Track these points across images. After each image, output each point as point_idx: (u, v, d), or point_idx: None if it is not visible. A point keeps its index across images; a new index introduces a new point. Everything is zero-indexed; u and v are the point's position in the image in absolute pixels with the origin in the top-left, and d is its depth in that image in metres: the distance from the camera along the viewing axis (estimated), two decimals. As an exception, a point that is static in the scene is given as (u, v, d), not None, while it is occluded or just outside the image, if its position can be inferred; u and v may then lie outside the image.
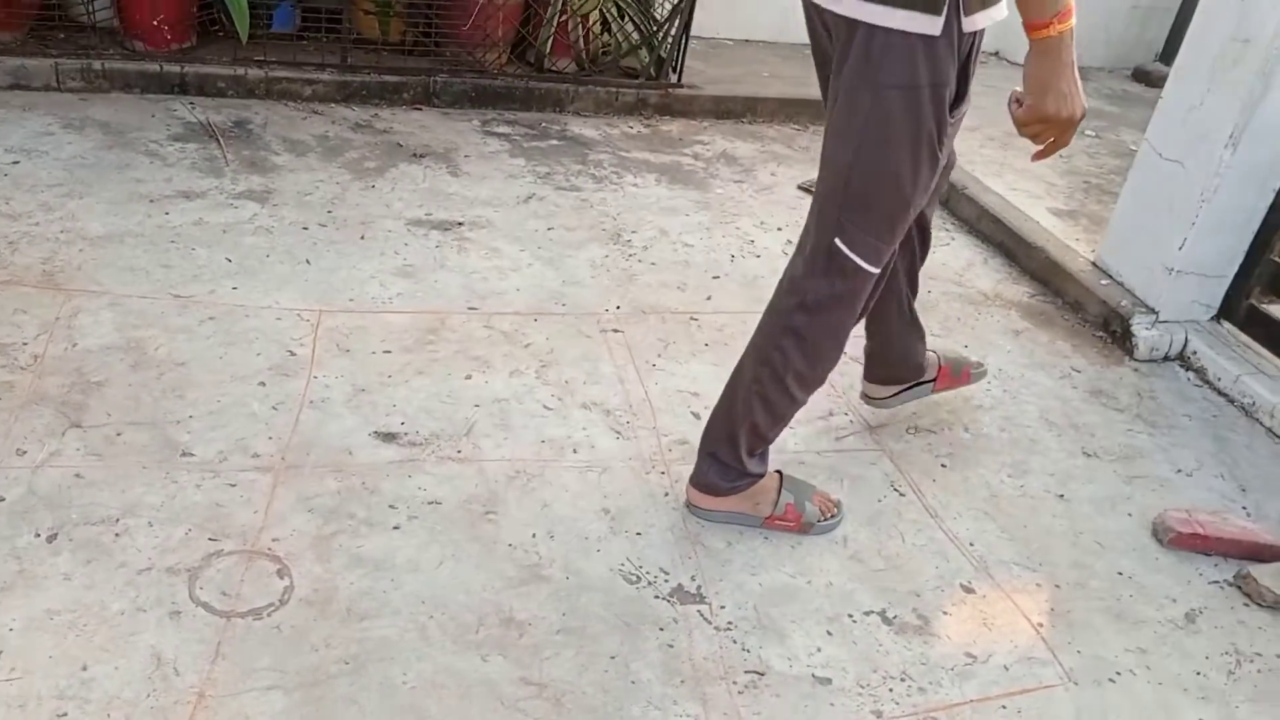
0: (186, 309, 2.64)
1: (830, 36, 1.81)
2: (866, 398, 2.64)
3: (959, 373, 2.69)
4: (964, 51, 1.73)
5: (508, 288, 2.97)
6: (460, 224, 3.26)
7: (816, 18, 1.87)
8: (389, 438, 2.30)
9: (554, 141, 3.91)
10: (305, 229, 3.09)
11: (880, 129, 1.75)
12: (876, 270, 1.93)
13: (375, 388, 2.46)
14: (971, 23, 1.70)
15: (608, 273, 3.13)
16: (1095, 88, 5.40)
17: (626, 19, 4.24)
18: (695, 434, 2.28)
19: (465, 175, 3.57)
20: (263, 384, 2.41)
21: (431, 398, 2.46)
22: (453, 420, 2.39)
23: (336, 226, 3.13)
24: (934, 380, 2.65)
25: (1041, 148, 1.78)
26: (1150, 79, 5.45)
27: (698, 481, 2.20)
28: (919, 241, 2.34)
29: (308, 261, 2.93)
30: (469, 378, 2.56)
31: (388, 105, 4.00)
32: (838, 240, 1.88)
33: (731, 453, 2.14)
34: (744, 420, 2.10)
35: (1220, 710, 1.95)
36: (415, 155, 3.66)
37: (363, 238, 3.09)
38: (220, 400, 2.34)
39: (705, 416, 2.23)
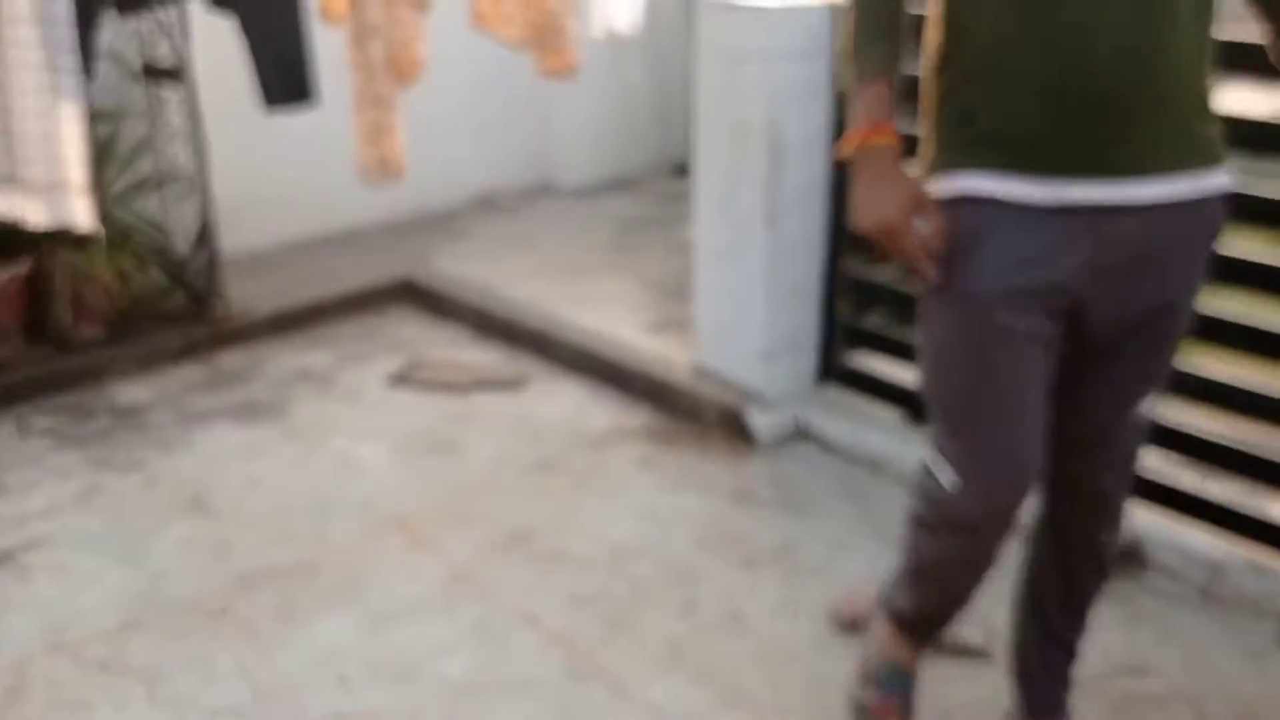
0: None
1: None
2: None
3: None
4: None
5: (88, 606, 2.52)
6: (13, 551, 2.75)
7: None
8: None
9: (104, 419, 3.45)
10: None
11: None
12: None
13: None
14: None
15: (200, 550, 2.73)
16: (643, 193, 5.61)
17: (149, 265, 3.88)
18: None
19: (9, 492, 3.04)
20: None
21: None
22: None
23: None
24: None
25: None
26: (688, 173, 5.76)
27: None
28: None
29: None
30: (52, 748, 2.09)
31: (-115, 442, 3.37)
32: None
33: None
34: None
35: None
36: (-66, 490, 3.08)
37: (-124, 618, 2.51)
38: None
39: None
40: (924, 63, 1.63)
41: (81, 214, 2.99)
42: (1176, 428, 2.48)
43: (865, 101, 1.57)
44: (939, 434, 1.68)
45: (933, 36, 1.60)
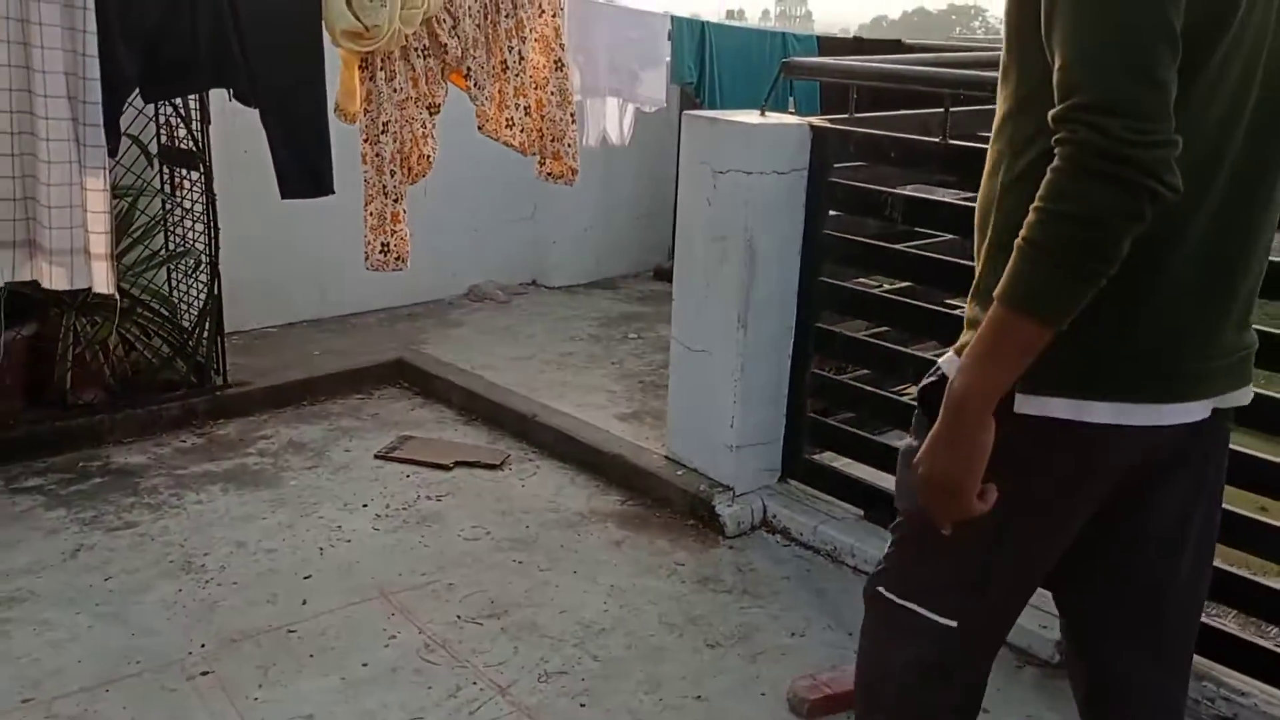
0: None
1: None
2: None
3: None
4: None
5: (67, 663, 2.60)
6: (-3, 605, 2.84)
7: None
8: None
9: (97, 480, 3.57)
10: None
11: None
12: None
13: None
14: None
15: (184, 610, 2.84)
16: (626, 293, 5.86)
17: (153, 334, 4.04)
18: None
19: (-5, 547, 3.15)
20: None
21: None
22: None
23: None
24: None
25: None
26: (670, 276, 5.99)
27: None
28: None
29: None
30: (33, 791, 2.17)
31: (-116, 492, 3.47)
32: None
33: None
34: None
35: None
36: (-72, 541, 3.18)
37: None
38: None
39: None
40: None
41: (101, 279, 3.14)
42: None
43: (1024, 352, 1.27)
44: None
45: None
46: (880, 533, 3.13)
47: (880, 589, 1.59)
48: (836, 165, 3.17)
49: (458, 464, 3.76)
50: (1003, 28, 1.43)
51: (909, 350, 3.13)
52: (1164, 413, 1.39)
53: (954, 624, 1.51)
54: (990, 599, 1.52)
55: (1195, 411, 1.41)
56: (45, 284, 3.16)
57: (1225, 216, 1.36)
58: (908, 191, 3.19)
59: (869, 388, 3.24)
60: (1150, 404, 1.37)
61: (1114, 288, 1.25)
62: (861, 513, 3.21)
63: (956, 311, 3.44)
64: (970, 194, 3.74)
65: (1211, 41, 1.28)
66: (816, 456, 3.37)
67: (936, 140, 2.92)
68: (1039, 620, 2.57)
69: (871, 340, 3.31)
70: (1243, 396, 1.48)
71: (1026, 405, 1.37)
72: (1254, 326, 1.48)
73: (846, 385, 3.31)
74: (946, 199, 3.18)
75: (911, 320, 3.12)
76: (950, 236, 3.31)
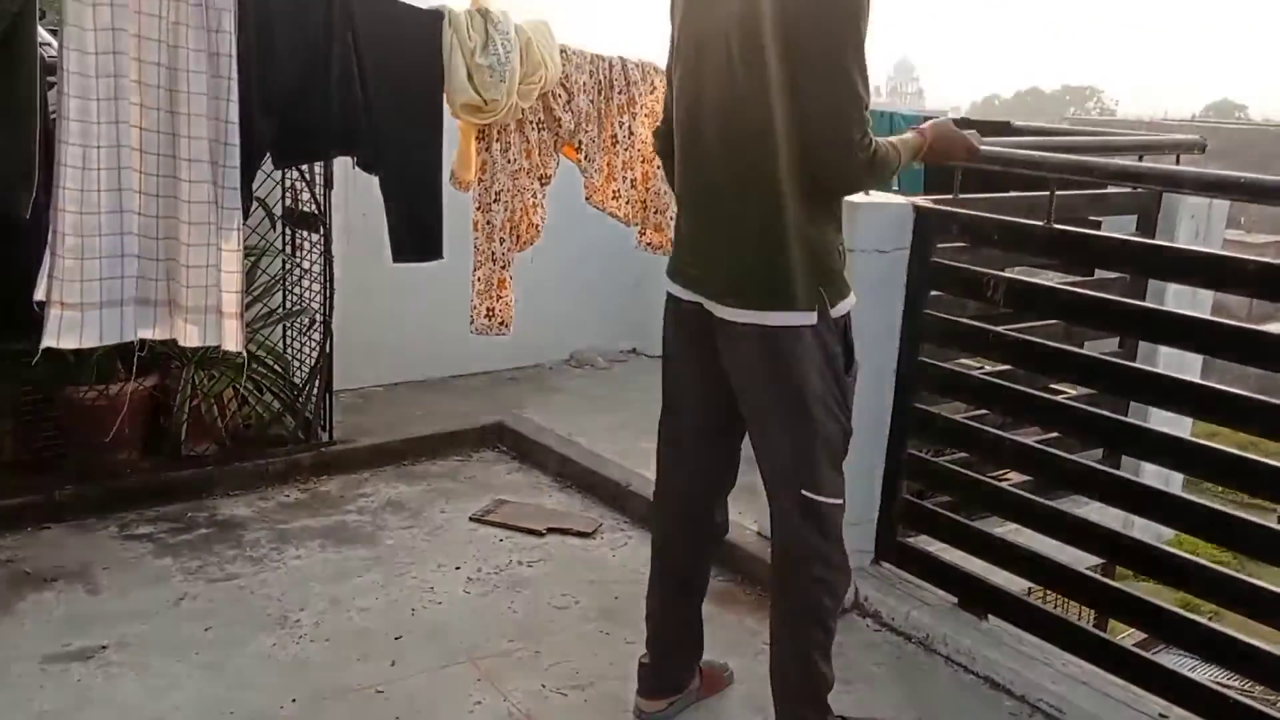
0: None
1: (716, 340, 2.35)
2: (641, 713, 2.67)
3: (717, 676, 2.83)
4: (840, 329, 2.31)
5: (166, 710, 2.68)
6: (104, 648, 2.95)
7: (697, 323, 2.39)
8: None
9: (203, 530, 3.69)
10: (-91, 701, 2.67)
11: (816, 396, 2.28)
12: (843, 500, 2.40)
13: None
14: (837, 310, 2.29)
15: (278, 664, 2.90)
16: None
17: (265, 389, 4.18)
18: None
19: (105, 590, 3.27)
20: None
21: None
22: None
23: (-50, 688, 2.73)
24: (700, 685, 2.76)
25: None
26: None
27: None
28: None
29: (-87, 741, 2.51)
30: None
31: (7, 532, 3.64)
32: (815, 495, 2.32)
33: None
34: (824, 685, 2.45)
35: None
36: (46, 580, 3.32)
37: (-16, 693, 2.71)
38: None
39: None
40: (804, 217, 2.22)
41: (230, 337, 3.28)
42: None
43: (912, 145, 2.37)
44: (835, 477, 2.36)
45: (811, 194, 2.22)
46: (973, 622, 3.05)
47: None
48: (940, 245, 3.15)
49: (550, 530, 3.79)
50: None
51: (1008, 435, 3.06)
52: None
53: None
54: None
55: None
56: (181, 341, 3.30)
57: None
58: (1011, 274, 3.14)
59: (967, 471, 3.17)
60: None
61: None
62: (955, 600, 3.13)
63: (1059, 398, 3.36)
64: (1074, 277, 3.69)
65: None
66: (911, 540, 3.30)
67: (1040, 224, 2.88)
68: None
69: (970, 423, 3.25)
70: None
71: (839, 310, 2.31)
72: None
73: (944, 468, 3.25)
74: (1049, 283, 3.13)
75: (1011, 404, 3.06)
76: (1053, 321, 3.25)
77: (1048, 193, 2.89)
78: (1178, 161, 3.96)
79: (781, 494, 2.37)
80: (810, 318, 2.24)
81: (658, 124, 2.60)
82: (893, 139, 2.30)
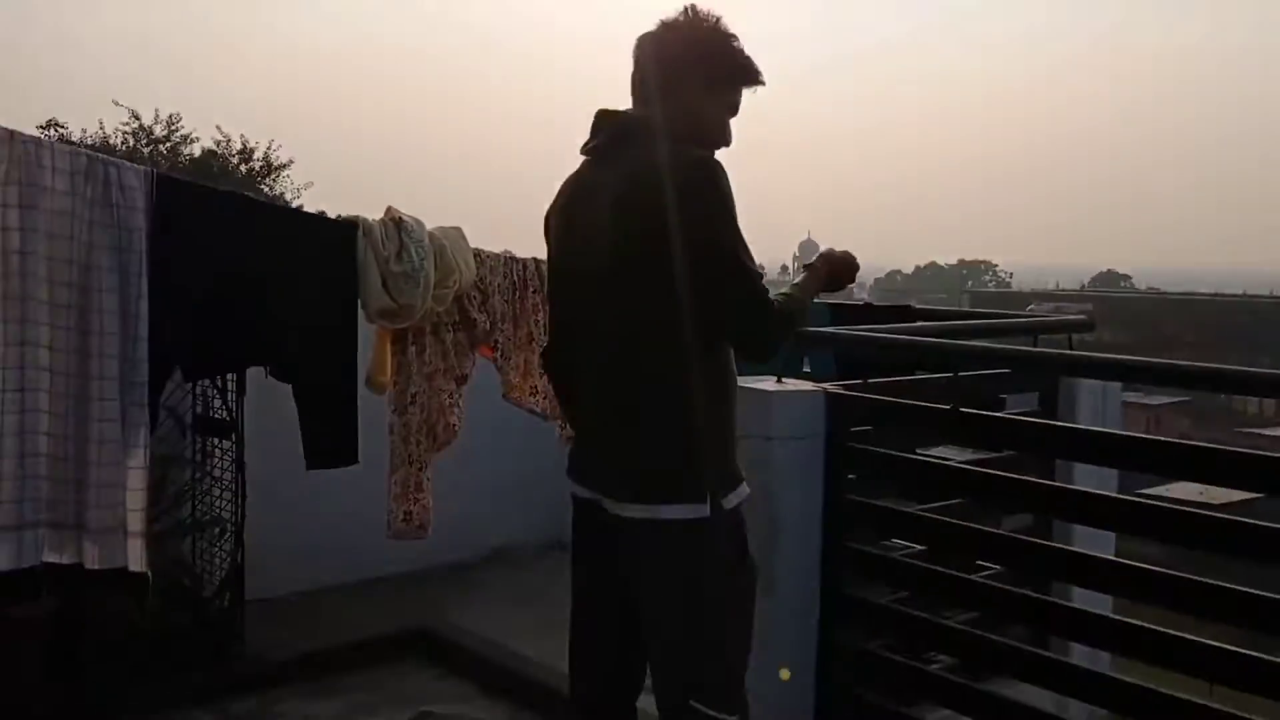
0: None
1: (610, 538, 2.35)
2: None
3: None
4: (732, 524, 2.26)
5: None
6: None
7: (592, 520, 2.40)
8: None
9: (106, 762, 3.47)
10: None
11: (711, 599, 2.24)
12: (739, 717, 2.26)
13: None
14: (728, 502, 2.25)
15: None
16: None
17: (174, 607, 4.02)
18: None
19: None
20: None
21: None
22: None
23: None
24: None
25: None
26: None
27: None
28: None
29: None
30: None
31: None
32: (705, 709, 2.21)
33: None
34: None
35: None
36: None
37: None
38: None
39: None
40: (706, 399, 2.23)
41: (135, 556, 3.17)
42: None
43: (812, 284, 2.45)
44: (733, 692, 2.26)
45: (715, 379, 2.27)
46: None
47: None
48: (853, 429, 3.22)
49: (477, 742, 3.64)
50: None
51: (937, 620, 3.07)
52: None
53: None
54: None
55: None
56: (87, 564, 3.18)
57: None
58: (924, 455, 3.22)
59: (897, 657, 3.15)
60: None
61: None
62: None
63: (977, 577, 3.39)
64: (983, 456, 3.77)
65: None
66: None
67: (947, 407, 2.98)
68: None
69: (897, 607, 3.25)
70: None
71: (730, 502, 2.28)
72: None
73: (874, 654, 3.23)
74: (958, 463, 3.21)
75: (934, 585, 3.07)
76: (959, 500, 3.32)
77: (951, 374, 3.00)
78: (1070, 341, 4.14)
79: (667, 703, 2.28)
80: (702, 510, 2.20)
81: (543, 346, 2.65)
82: (788, 291, 2.36)
